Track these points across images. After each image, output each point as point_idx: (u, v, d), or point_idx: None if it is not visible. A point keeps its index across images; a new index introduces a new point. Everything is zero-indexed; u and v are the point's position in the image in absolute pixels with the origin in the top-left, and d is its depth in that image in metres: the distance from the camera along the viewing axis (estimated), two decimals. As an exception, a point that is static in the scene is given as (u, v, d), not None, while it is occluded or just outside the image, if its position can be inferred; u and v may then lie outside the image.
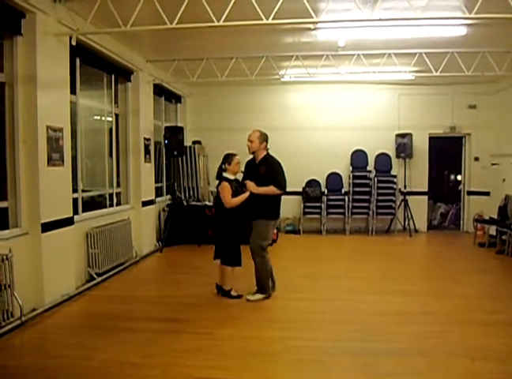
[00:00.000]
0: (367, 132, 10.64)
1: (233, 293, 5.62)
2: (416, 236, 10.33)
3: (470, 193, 10.99)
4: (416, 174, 10.75)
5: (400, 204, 10.49)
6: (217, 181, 5.62)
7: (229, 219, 5.49)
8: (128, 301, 5.66)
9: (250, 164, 5.73)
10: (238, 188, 5.52)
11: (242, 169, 5.72)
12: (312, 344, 4.25)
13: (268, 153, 5.63)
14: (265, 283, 5.57)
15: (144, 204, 8.27)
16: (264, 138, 5.57)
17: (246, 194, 5.45)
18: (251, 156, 5.71)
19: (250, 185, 5.46)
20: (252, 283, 5.63)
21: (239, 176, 5.68)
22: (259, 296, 5.56)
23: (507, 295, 5.83)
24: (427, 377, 3.62)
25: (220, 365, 3.83)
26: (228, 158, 5.56)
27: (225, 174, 5.53)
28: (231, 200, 5.40)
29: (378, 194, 10.40)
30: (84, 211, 6.48)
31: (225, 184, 5.45)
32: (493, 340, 4.31)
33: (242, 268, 5.60)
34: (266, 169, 5.50)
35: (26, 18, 4.97)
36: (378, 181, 10.42)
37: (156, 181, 9.30)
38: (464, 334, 4.48)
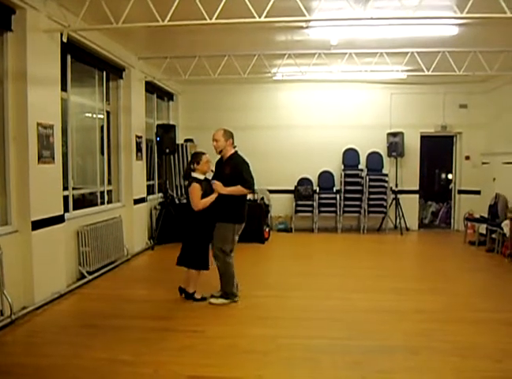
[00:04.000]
0: (359, 130, 10.68)
1: (197, 296, 5.45)
2: (407, 234, 10.40)
3: (461, 191, 11.06)
4: (407, 173, 10.81)
5: (391, 203, 10.53)
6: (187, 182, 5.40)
7: (198, 221, 5.29)
8: (119, 299, 5.64)
9: (218, 164, 5.50)
10: (208, 188, 5.27)
11: (213, 168, 5.50)
12: (304, 342, 4.26)
13: (236, 152, 5.41)
14: (227, 289, 5.37)
15: (136, 202, 8.23)
16: (229, 135, 5.34)
17: (214, 195, 5.21)
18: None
19: (218, 185, 5.23)
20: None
21: (209, 175, 5.46)
22: (223, 301, 5.36)
23: (498, 293, 5.88)
24: (419, 375, 3.64)
25: (212, 363, 3.83)
26: (197, 157, 5.34)
27: (194, 174, 5.30)
28: (199, 202, 5.17)
29: (370, 193, 10.43)
30: (75, 209, 6.44)
31: (195, 185, 5.21)
32: (484, 338, 4.34)
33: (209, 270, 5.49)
34: (231, 168, 5.27)
35: (16, 14, 4.92)
36: (370, 180, 10.45)
37: (148, 179, 9.24)
38: (456, 332, 4.51)
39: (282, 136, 10.62)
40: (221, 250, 5.30)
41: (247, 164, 5.34)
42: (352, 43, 7.27)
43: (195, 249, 5.34)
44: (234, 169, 5.25)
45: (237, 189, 5.21)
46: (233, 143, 5.41)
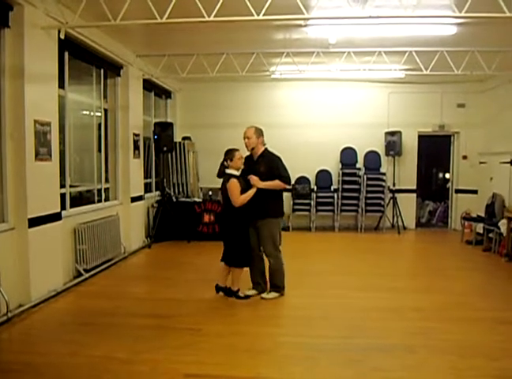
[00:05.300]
0: (357, 129, 10.67)
1: (241, 294, 5.44)
2: (404, 233, 10.42)
3: (458, 191, 11.08)
4: (404, 172, 10.82)
5: (388, 202, 10.55)
6: (218, 179, 5.39)
7: (237, 217, 5.26)
8: (116, 297, 5.62)
9: (248, 161, 5.51)
10: (244, 185, 5.25)
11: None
12: (302, 340, 4.25)
13: (266, 148, 5.48)
14: (280, 283, 5.50)
15: (133, 199, 8.21)
16: (259, 133, 5.42)
17: (253, 190, 5.21)
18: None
19: (255, 179, 5.23)
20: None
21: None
22: (275, 294, 5.48)
23: (494, 293, 5.91)
24: (417, 373, 3.63)
25: (210, 361, 3.82)
26: (230, 153, 5.30)
27: (229, 171, 5.27)
28: (239, 198, 5.15)
29: (367, 192, 10.44)
30: (72, 206, 6.42)
31: (234, 181, 5.18)
32: (481, 337, 4.35)
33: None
34: (266, 165, 5.32)
35: (14, 10, 4.89)
36: (368, 179, 10.45)
37: (145, 177, 9.24)
38: (453, 330, 4.52)
39: (280, 135, 10.51)
40: (273, 247, 5.39)
41: (281, 159, 5.44)
42: (350, 42, 7.27)
43: (237, 247, 5.33)
44: (269, 165, 5.33)
45: (274, 184, 5.29)
46: (264, 140, 5.48)
